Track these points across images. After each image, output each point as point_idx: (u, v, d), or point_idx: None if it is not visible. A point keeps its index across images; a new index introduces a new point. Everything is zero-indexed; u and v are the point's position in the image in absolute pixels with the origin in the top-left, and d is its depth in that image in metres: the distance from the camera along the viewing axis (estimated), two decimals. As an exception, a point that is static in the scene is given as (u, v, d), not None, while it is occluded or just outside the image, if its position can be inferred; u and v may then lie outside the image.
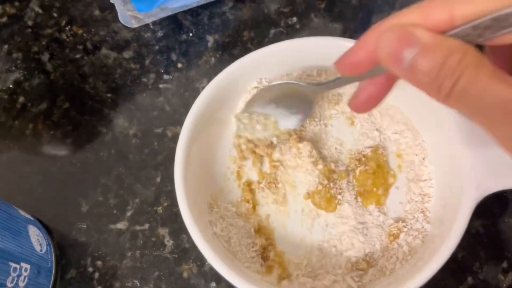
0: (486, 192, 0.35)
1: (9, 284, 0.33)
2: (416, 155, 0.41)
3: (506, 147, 0.20)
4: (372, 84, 0.28)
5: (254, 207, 0.40)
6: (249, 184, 0.41)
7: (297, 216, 0.40)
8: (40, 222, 0.41)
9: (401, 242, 0.38)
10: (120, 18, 0.46)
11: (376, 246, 0.38)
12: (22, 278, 0.35)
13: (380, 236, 0.39)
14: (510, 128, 0.19)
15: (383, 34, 0.23)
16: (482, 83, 0.20)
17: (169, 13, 0.49)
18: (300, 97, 0.38)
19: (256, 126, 0.40)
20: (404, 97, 0.39)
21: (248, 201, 0.40)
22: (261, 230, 0.39)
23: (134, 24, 0.48)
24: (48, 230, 0.42)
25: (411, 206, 0.40)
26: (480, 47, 0.22)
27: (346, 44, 0.39)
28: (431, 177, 0.40)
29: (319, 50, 0.41)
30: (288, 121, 0.40)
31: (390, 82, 0.28)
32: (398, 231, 0.39)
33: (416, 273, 0.33)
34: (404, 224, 0.39)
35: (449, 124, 0.37)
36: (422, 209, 0.39)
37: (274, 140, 0.40)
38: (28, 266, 0.36)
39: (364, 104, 0.30)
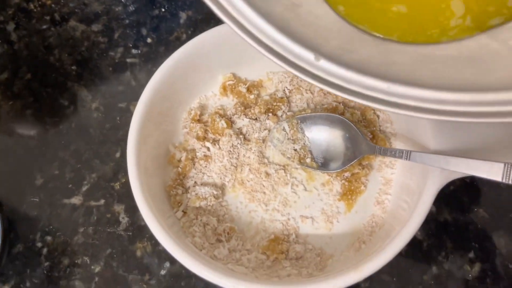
0: (449, 177, 0.33)
1: None
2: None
3: None
4: None
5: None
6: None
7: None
8: (-9, 193, 0.40)
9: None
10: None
11: None
12: (-40, 247, 0.33)
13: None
14: None
15: None
16: None
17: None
18: (349, 146, 0.38)
19: (287, 141, 0.39)
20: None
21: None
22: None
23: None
24: (-2, 202, 0.40)
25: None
26: None
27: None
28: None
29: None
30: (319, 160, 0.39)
31: None
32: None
33: (374, 257, 0.31)
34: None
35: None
36: (385, 192, 0.38)
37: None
38: (-32, 236, 0.34)
39: None
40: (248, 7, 0.25)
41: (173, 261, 0.38)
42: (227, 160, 0.39)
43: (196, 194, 0.37)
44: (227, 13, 0.25)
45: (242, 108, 0.41)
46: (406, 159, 0.33)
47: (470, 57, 0.27)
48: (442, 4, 0.27)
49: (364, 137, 0.37)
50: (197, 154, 0.39)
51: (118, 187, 0.40)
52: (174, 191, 0.38)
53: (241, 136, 0.40)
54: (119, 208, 0.40)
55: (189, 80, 0.40)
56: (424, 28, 0.27)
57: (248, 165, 0.39)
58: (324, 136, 0.39)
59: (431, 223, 0.38)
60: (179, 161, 0.39)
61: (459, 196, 0.39)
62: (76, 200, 0.40)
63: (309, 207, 0.38)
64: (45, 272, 0.37)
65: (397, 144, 0.39)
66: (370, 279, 0.36)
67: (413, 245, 0.35)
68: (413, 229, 0.31)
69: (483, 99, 0.23)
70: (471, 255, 0.37)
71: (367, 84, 0.24)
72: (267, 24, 0.25)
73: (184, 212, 0.37)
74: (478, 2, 0.27)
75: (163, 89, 0.38)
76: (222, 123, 0.39)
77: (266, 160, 0.40)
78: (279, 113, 0.41)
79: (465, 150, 0.33)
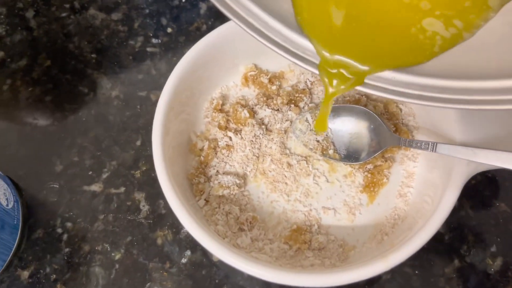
0: (476, 169, 0.33)
1: (-33, 234, 0.31)
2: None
3: None
4: None
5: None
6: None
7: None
8: (10, 179, 0.39)
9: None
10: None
11: None
12: (-17, 230, 0.33)
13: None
14: None
15: None
16: None
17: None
18: (373, 138, 0.37)
19: (309, 132, 0.39)
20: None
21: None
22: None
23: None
24: (17, 188, 0.39)
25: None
26: None
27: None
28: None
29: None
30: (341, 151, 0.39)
31: None
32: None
33: (401, 247, 0.31)
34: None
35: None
36: (407, 185, 0.38)
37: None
38: (-9, 219, 0.34)
39: None
40: (259, 8, 0.25)
41: (193, 249, 0.37)
42: (249, 150, 0.39)
43: (219, 182, 0.37)
44: (240, 17, 0.26)
45: (264, 98, 0.41)
46: (432, 150, 0.33)
47: (476, 43, 0.26)
48: (420, 35, 0.27)
49: (389, 128, 0.37)
50: (219, 143, 0.39)
51: (139, 175, 0.40)
52: (196, 180, 0.37)
53: (263, 126, 0.40)
54: (139, 196, 0.39)
55: (211, 69, 0.40)
56: (430, 50, 0.27)
57: (270, 155, 0.39)
58: (348, 128, 0.39)
59: (452, 217, 0.38)
60: (201, 150, 0.39)
61: (480, 190, 0.39)
62: (96, 187, 0.40)
63: (331, 198, 0.38)
64: (65, 258, 0.37)
65: (420, 138, 0.39)
66: (392, 271, 0.36)
67: (435, 238, 0.35)
68: (440, 220, 0.31)
69: (487, 86, 0.24)
70: (493, 249, 0.37)
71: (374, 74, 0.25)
72: (279, 24, 0.25)
73: (206, 201, 0.37)
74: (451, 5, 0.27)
75: (187, 78, 0.38)
76: (244, 113, 0.39)
77: (288, 151, 0.39)
78: (301, 104, 0.41)
79: (492, 143, 0.33)
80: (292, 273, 0.30)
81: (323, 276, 0.30)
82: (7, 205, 0.36)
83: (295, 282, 0.29)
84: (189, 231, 0.31)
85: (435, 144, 0.33)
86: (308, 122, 0.39)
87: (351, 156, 0.38)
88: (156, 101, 0.43)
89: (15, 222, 0.37)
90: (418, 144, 0.34)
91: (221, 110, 0.41)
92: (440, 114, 0.36)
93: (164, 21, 0.48)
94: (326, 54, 0.26)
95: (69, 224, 0.38)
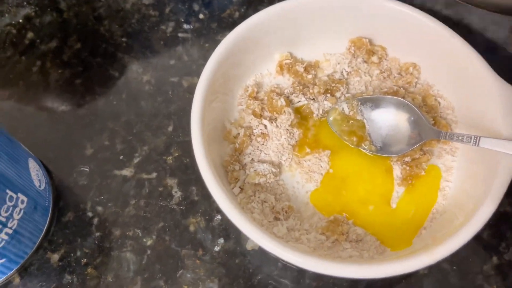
0: None
1: (3, 213, 0.31)
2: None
3: None
4: None
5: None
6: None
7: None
8: (40, 161, 0.39)
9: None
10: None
11: None
12: (17, 210, 0.32)
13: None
14: None
15: None
16: None
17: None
18: (413, 130, 0.37)
19: (347, 122, 0.38)
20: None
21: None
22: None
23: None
24: (47, 170, 0.39)
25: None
26: None
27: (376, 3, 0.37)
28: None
29: (349, 6, 0.39)
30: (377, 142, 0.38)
31: None
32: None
33: (447, 240, 0.30)
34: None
35: (487, 90, 0.34)
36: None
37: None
38: (25, 199, 0.33)
39: None
40: None
41: (227, 237, 0.37)
42: (284, 138, 0.38)
43: (255, 170, 0.36)
44: None
45: (300, 87, 0.40)
46: (475, 144, 0.32)
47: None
48: None
49: (428, 121, 0.36)
50: (254, 131, 0.38)
51: (171, 161, 0.40)
52: (231, 167, 0.37)
53: (298, 115, 0.39)
54: (171, 182, 0.39)
55: (247, 57, 0.40)
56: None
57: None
58: (386, 119, 0.38)
59: (491, 213, 0.37)
60: (235, 137, 0.38)
61: (519, 187, 0.38)
62: (127, 172, 0.39)
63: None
64: (96, 242, 0.37)
65: (459, 131, 0.39)
66: (429, 266, 0.35)
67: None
68: (488, 215, 0.31)
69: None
70: (533, 247, 0.36)
71: None
72: None
73: (241, 189, 0.36)
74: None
75: (223, 65, 0.37)
76: (281, 101, 0.38)
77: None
78: (338, 94, 0.40)
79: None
80: (339, 263, 0.29)
81: (371, 267, 0.29)
82: (40, 186, 0.35)
83: (344, 273, 0.29)
84: (230, 218, 0.30)
85: (478, 137, 0.32)
86: (345, 112, 0.39)
87: (387, 148, 0.38)
88: (188, 87, 0.43)
89: (46, 204, 0.36)
90: (460, 138, 0.34)
91: (255, 98, 0.40)
92: (483, 108, 0.35)
93: (196, 7, 0.47)
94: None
95: (99, 208, 0.38)
